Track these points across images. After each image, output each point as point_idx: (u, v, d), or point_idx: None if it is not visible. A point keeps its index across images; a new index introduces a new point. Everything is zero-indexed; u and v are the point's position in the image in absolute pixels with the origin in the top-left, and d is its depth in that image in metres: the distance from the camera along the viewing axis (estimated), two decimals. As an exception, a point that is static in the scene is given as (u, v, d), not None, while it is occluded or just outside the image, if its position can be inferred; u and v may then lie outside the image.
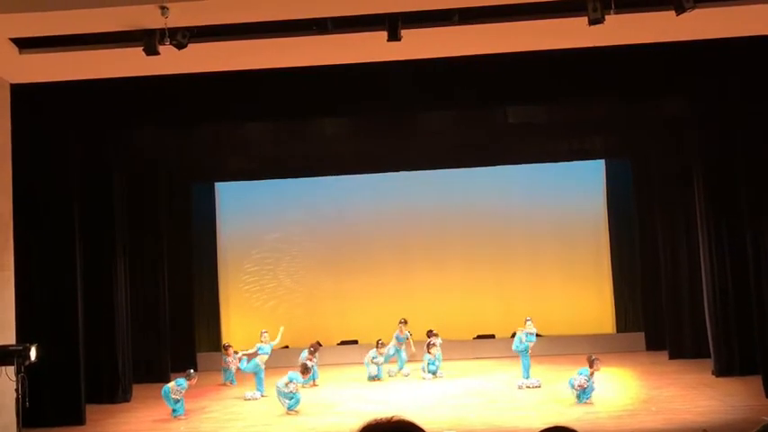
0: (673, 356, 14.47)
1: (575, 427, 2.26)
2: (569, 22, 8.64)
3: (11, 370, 8.90)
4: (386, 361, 14.36)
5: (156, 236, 14.91)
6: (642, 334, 15.90)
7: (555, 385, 12.50)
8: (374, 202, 16.90)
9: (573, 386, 11.40)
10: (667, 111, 13.68)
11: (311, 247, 17.00)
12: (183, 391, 11.68)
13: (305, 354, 13.80)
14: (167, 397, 11.72)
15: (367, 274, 16.68)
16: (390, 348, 14.52)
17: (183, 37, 8.26)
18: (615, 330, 16.39)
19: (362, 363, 14.32)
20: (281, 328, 13.80)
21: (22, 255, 10.47)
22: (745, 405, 10.78)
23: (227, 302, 16.94)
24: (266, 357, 13.23)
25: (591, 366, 11.35)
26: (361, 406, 11.93)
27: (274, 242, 17.04)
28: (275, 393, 11.86)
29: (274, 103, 11.93)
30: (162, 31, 8.13)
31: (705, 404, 11.01)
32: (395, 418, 2.00)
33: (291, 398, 11.70)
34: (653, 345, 15.49)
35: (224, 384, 14.15)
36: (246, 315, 16.76)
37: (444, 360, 14.36)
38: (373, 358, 14.09)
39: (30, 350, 8.90)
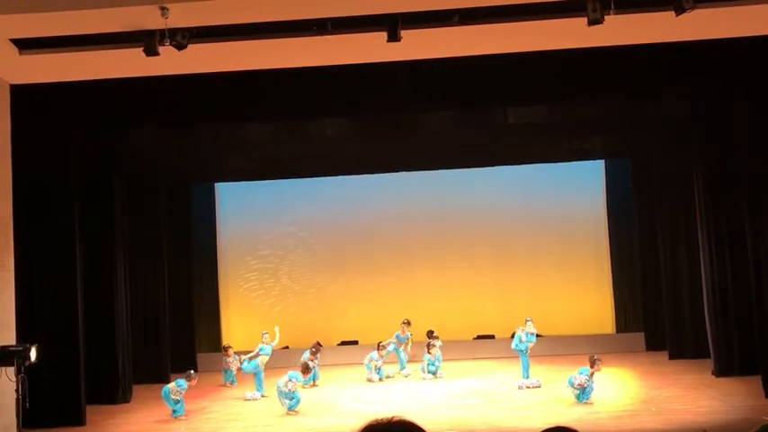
0: (673, 357, 14.47)
1: (575, 428, 2.26)
2: (569, 22, 8.64)
3: (11, 371, 8.91)
4: (385, 360, 14.35)
5: (156, 236, 14.91)
6: (642, 334, 15.89)
7: (555, 385, 12.50)
8: (374, 202, 16.89)
9: (573, 385, 11.41)
10: (667, 111, 13.69)
11: (311, 248, 17.00)
12: (184, 392, 11.68)
13: (307, 354, 13.80)
14: (167, 398, 11.72)
15: (367, 274, 16.68)
16: (390, 346, 14.52)
17: (183, 38, 8.26)
18: (615, 330, 16.39)
19: (363, 363, 14.31)
20: (277, 328, 13.80)
21: (22, 255, 10.47)
22: (745, 405, 10.79)
23: (227, 302, 16.94)
24: (267, 358, 13.23)
25: (592, 366, 11.35)
26: (361, 406, 11.93)
27: (274, 242, 17.03)
28: (276, 393, 11.86)
29: (274, 103, 11.94)
30: (162, 31, 8.13)
31: (705, 404, 11.01)
32: (395, 419, 2.00)
33: (291, 398, 11.70)
34: (653, 345, 15.49)
35: (224, 385, 14.14)
36: (246, 315, 16.76)
37: (444, 360, 14.36)
38: (373, 360, 14.08)
39: (30, 351, 8.90)
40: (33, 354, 8.94)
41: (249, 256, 17.02)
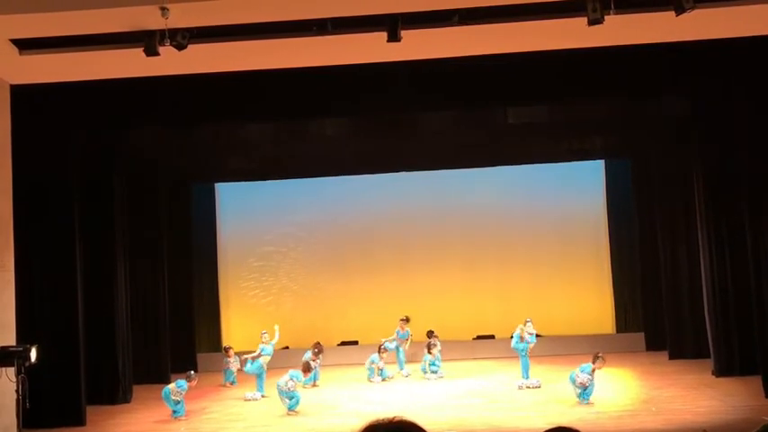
0: (673, 357, 14.47)
1: (576, 428, 2.26)
2: (569, 22, 8.64)
3: (11, 371, 8.91)
4: (386, 361, 14.34)
5: (156, 236, 14.90)
6: (642, 334, 15.89)
7: (555, 385, 12.50)
8: (374, 202, 16.89)
9: (574, 382, 11.40)
10: (667, 111, 13.69)
11: (311, 248, 17.00)
12: (184, 393, 11.68)
13: (309, 354, 13.80)
14: (167, 398, 11.72)
15: (367, 274, 16.68)
16: (392, 344, 14.53)
17: (183, 38, 8.27)
18: (615, 330, 16.39)
19: (363, 363, 14.31)
20: (276, 327, 13.79)
21: (22, 255, 10.47)
22: (745, 405, 10.79)
23: (227, 302, 16.94)
24: (269, 358, 13.24)
25: (594, 362, 11.33)
26: (361, 407, 11.93)
27: (274, 242, 17.03)
28: (276, 393, 11.86)
29: (274, 103, 11.94)
30: (162, 31, 8.14)
31: (705, 404, 11.01)
32: (396, 419, 2.00)
33: (291, 397, 11.70)
34: (653, 345, 15.49)
35: (224, 385, 14.14)
36: (246, 315, 16.76)
37: (444, 360, 14.37)
38: (375, 363, 14.08)
39: (30, 351, 8.90)
40: (33, 354, 8.94)
41: (249, 256, 17.02)
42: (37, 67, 9.61)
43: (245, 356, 13.40)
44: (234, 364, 14.17)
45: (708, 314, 12.80)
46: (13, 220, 10.13)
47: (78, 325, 11.72)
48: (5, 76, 9.95)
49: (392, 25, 8.49)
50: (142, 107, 12.04)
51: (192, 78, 10.30)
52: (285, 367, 12.78)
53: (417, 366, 14.36)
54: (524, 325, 13.21)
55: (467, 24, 8.75)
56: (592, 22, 7.98)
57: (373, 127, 14.36)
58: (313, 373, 13.43)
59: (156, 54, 8.30)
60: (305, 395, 12.30)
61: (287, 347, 15.62)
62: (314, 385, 13.67)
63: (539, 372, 13.27)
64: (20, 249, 10.35)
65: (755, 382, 11.42)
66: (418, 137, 14.74)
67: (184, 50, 8.37)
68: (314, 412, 11.74)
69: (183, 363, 14.30)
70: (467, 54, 9.89)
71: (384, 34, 8.59)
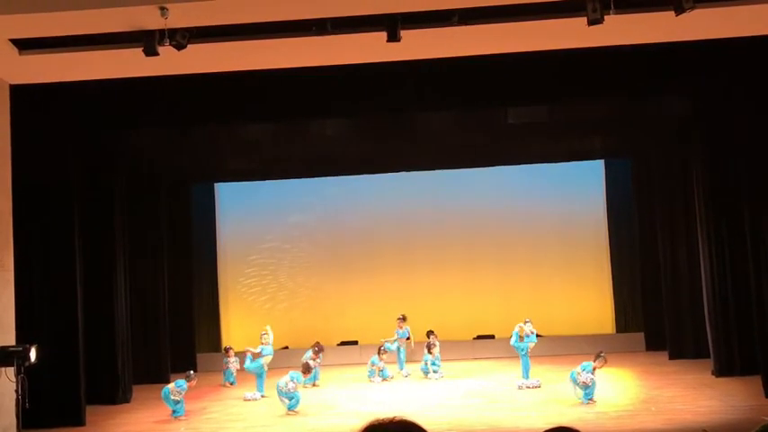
0: (673, 357, 14.46)
1: (576, 428, 2.25)
2: (569, 22, 8.64)
3: (11, 371, 8.91)
4: (386, 361, 14.34)
5: (156, 236, 14.91)
6: (642, 334, 15.89)
7: (555, 385, 12.50)
8: (374, 202, 16.89)
9: (576, 381, 11.38)
10: (668, 111, 13.68)
11: (311, 248, 17.00)
12: (183, 393, 11.68)
13: (309, 353, 13.80)
14: (167, 398, 11.72)
15: (367, 274, 16.68)
16: (394, 345, 14.53)
17: (183, 38, 8.26)
18: (615, 330, 16.39)
19: (362, 363, 14.32)
20: (268, 327, 13.72)
21: (22, 255, 10.47)
22: (745, 405, 10.79)
23: (227, 302, 16.94)
24: (270, 358, 13.23)
25: (595, 361, 11.31)
26: (361, 406, 11.93)
27: (274, 242, 17.03)
28: (276, 393, 11.86)
29: (274, 103, 11.94)
30: (161, 31, 8.14)
31: (705, 404, 11.01)
32: (396, 419, 2.00)
33: (291, 397, 11.70)
34: (653, 345, 15.48)
35: (224, 385, 14.14)
36: (246, 315, 16.76)
37: (444, 360, 14.38)
38: (375, 364, 14.08)
39: (30, 351, 8.90)
40: (33, 354, 8.94)
41: (249, 256, 17.02)
42: (37, 67, 9.60)
43: (248, 348, 13.36)
44: (234, 364, 14.17)
45: (708, 314, 12.80)
46: (12, 219, 10.12)
47: (78, 325, 11.71)
48: (5, 75, 9.94)
49: (392, 25, 8.49)
50: (142, 107, 12.04)
51: (192, 78, 10.30)
52: (285, 367, 12.80)
53: (417, 366, 14.35)
54: (524, 323, 13.19)
55: (466, 24, 8.75)
56: (592, 22, 7.98)
57: (373, 127, 14.36)
58: (313, 372, 13.43)
59: (156, 54, 8.29)
60: (305, 395, 12.29)
61: (286, 347, 15.63)
62: (314, 385, 13.67)
63: (539, 372, 13.26)
64: (20, 249, 10.35)
65: (755, 382, 11.42)
66: (418, 137, 14.73)
67: (184, 50, 8.37)
68: (314, 412, 11.74)
69: (183, 363, 14.31)
70: (467, 54, 9.88)
71: (384, 34, 8.58)
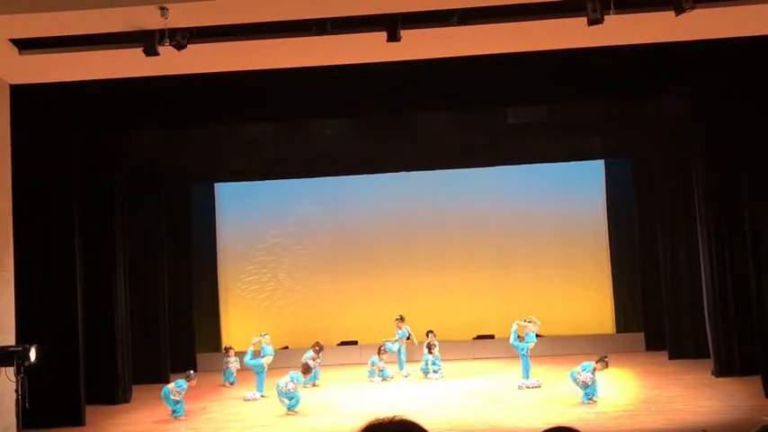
0: (673, 356, 14.46)
1: (576, 428, 2.25)
2: (569, 22, 8.64)
3: (11, 371, 8.91)
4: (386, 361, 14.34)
5: (155, 236, 14.91)
6: (642, 334, 15.89)
7: (555, 385, 12.50)
8: (374, 202, 16.89)
9: (576, 380, 11.38)
10: (667, 111, 13.69)
11: (311, 248, 17.00)
12: (183, 393, 11.68)
13: (310, 353, 13.80)
14: (167, 398, 11.72)
15: (367, 274, 16.68)
16: (395, 345, 14.53)
17: (183, 38, 8.26)
18: (615, 330, 16.39)
19: (362, 363, 14.31)
20: (267, 336, 13.60)
21: (22, 255, 10.47)
22: (745, 405, 10.78)
23: (226, 302, 16.94)
24: (270, 358, 13.23)
25: (596, 362, 11.30)
26: (361, 406, 11.93)
27: (274, 242, 17.03)
28: (276, 393, 11.86)
29: (274, 103, 11.94)
30: (161, 31, 8.14)
31: (705, 404, 11.01)
32: (396, 418, 1.99)
33: (291, 397, 11.70)
34: (653, 345, 15.48)
35: (224, 385, 14.14)
36: (246, 315, 16.76)
37: (444, 360, 14.38)
38: (375, 364, 14.08)
39: (29, 351, 8.90)
40: (33, 354, 8.94)
41: (249, 256, 17.02)
42: (37, 66, 9.60)
43: (255, 340, 13.32)
44: (234, 364, 14.17)
45: (707, 314, 12.79)
46: (12, 219, 10.12)
47: (78, 325, 11.71)
48: (5, 75, 9.94)
49: (392, 25, 8.49)
50: (142, 107, 12.04)
51: (192, 78, 10.30)
52: (285, 367, 12.80)
53: (417, 366, 14.35)
54: (526, 321, 13.15)
55: (466, 24, 8.75)
56: (591, 22, 7.98)
57: (373, 127, 14.36)
58: (313, 372, 13.43)
59: (156, 54, 8.30)
60: (305, 395, 12.29)
61: (287, 347, 15.63)
62: (314, 385, 13.68)
63: (539, 372, 13.26)
64: (19, 249, 10.35)
65: (755, 382, 11.42)
66: (418, 137, 14.74)
67: (184, 50, 8.37)
68: (314, 412, 11.74)
69: (183, 363, 14.31)
70: (466, 54, 9.89)
71: (384, 34, 8.59)
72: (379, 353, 14.12)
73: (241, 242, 17.01)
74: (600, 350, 14.03)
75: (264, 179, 16.59)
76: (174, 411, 11.69)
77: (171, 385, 11.83)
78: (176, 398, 11.67)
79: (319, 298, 16.80)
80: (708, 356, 12.95)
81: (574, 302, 16.29)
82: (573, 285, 16.42)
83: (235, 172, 16.41)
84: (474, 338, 16.22)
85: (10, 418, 9.13)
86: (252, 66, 10.04)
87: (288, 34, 8.92)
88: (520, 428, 10.21)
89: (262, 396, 12.89)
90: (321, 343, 14.29)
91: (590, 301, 16.50)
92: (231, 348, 14.48)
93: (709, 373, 12.74)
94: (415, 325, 14.88)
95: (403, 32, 8.53)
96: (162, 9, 7.75)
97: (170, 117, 12.49)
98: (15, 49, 9.13)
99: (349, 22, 8.70)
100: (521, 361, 13.04)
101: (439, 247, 16.58)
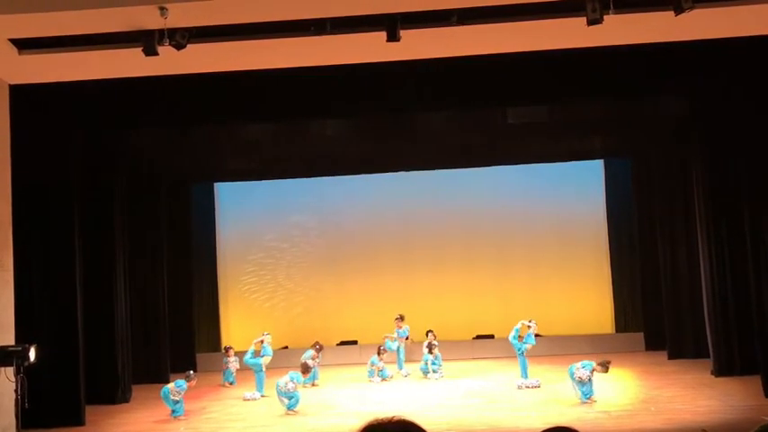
0: (672, 356, 14.46)
1: (575, 427, 2.26)
2: (568, 22, 8.65)
3: (10, 371, 8.91)
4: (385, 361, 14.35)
5: (155, 236, 14.92)
6: (642, 334, 15.89)
7: (554, 385, 12.50)
8: (374, 202, 16.89)
9: (573, 376, 11.38)
10: (666, 110, 13.70)
11: (311, 248, 17.00)
12: (183, 392, 11.68)
13: (310, 353, 13.81)
14: (167, 398, 11.72)
15: (366, 274, 16.68)
16: (394, 344, 14.54)
17: (182, 37, 8.26)
18: (615, 330, 16.39)
19: (362, 363, 14.31)
20: (268, 336, 13.61)
21: (22, 255, 10.47)
22: (744, 405, 10.79)
23: (226, 303, 16.94)
24: (269, 359, 13.23)
25: (597, 363, 11.29)
26: (360, 406, 11.93)
27: (274, 242, 17.03)
28: (275, 392, 11.86)
29: (274, 103, 11.94)
30: (161, 31, 8.14)
31: (705, 404, 11.01)
32: (395, 418, 2.00)
33: (291, 397, 11.71)
34: (652, 345, 15.48)
35: (223, 385, 14.15)
36: (246, 315, 16.76)
37: (444, 360, 14.37)
38: (375, 364, 14.08)
39: (29, 351, 8.90)
40: (33, 354, 8.94)
41: (249, 256, 17.02)
42: (36, 66, 9.60)
43: (257, 339, 13.33)
44: (234, 363, 14.18)
45: (707, 314, 12.80)
46: (12, 219, 10.12)
47: (78, 325, 11.71)
48: (4, 75, 9.94)
49: (391, 25, 8.49)
50: (142, 107, 12.04)
51: (192, 78, 10.30)
52: (285, 367, 12.80)
53: (417, 366, 14.35)
54: (529, 321, 13.14)
55: (466, 24, 8.75)
56: (591, 22, 7.99)
57: (372, 127, 14.37)
58: (312, 372, 13.43)
59: (156, 54, 8.30)
60: (304, 395, 12.29)
61: (286, 347, 15.63)
62: (313, 385, 13.68)
63: (538, 372, 13.27)
64: (19, 249, 10.35)
65: (755, 381, 11.42)
66: (418, 137, 14.74)
67: (183, 50, 8.37)
68: (313, 412, 11.74)
69: (183, 362, 14.31)
70: (466, 54, 9.89)
71: (383, 34, 8.59)
72: (378, 353, 14.12)
73: (241, 242, 17.01)
74: (599, 350, 14.09)
75: (264, 179, 16.60)
76: (173, 411, 11.70)
77: (171, 385, 11.83)
78: (176, 398, 11.67)
79: (319, 298, 16.80)
80: (707, 356, 12.95)
81: (573, 302, 16.30)
82: (572, 285, 16.42)
83: (234, 172, 16.41)
84: (473, 338, 16.23)
85: (9, 418, 9.13)
86: (251, 66, 10.04)
87: (287, 34, 8.93)
88: (520, 428, 10.21)
89: (261, 396, 12.89)
90: (321, 343, 14.29)
91: (589, 300, 16.51)
92: (231, 348, 14.49)
93: (709, 372, 12.74)
94: (415, 325, 14.89)
95: (402, 32, 8.54)
96: (161, 9, 7.75)
97: (170, 117, 12.50)
98: (15, 49, 9.13)
99: (348, 21, 8.71)
100: (518, 361, 13.04)
101: (438, 246, 16.58)
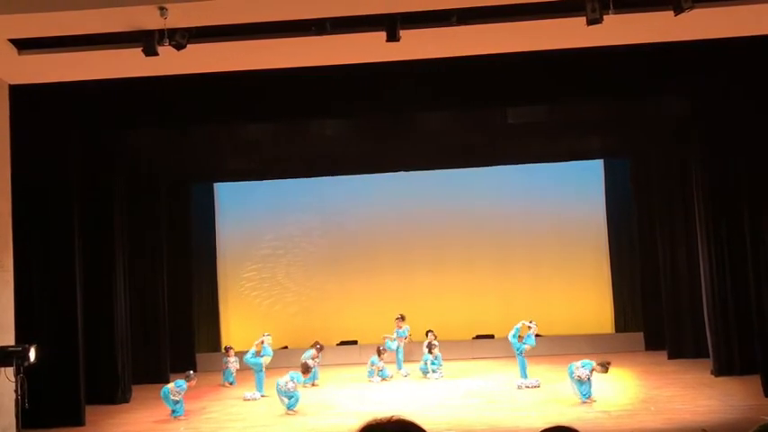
0: (672, 356, 14.46)
1: (575, 427, 2.26)
2: (568, 22, 8.65)
3: (10, 371, 8.90)
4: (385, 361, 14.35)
5: (155, 236, 14.91)
6: (642, 334, 15.88)
7: (554, 385, 12.50)
8: (374, 202, 16.89)
9: (572, 375, 11.38)
10: (667, 110, 13.69)
11: (310, 248, 17.00)
12: (183, 392, 11.68)
13: (311, 352, 13.80)
14: (167, 398, 11.72)
15: (366, 274, 16.68)
16: (394, 344, 14.54)
17: (182, 37, 8.27)
18: (615, 330, 16.39)
19: (362, 363, 14.31)
20: (269, 337, 13.61)
21: (21, 255, 10.47)
22: (744, 405, 10.79)
23: (226, 303, 16.94)
24: (269, 359, 13.23)
25: (597, 363, 11.28)
26: (360, 406, 11.93)
27: (274, 242, 17.03)
28: (275, 392, 11.86)
29: (274, 103, 11.95)
30: (161, 31, 8.14)
31: (704, 404, 11.01)
32: (394, 418, 2.00)
33: (291, 396, 11.71)
34: (652, 344, 15.47)
35: (223, 385, 14.15)
36: (246, 315, 16.76)
37: (444, 360, 14.36)
38: (375, 364, 14.08)
39: (29, 351, 8.89)
40: (32, 354, 8.93)
41: (249, 256, 17.02)
42: (36, 66, 9.61)
43: (258, 340, 13.33)
44: (234, 363, 14.18)
45: (707, 314, 12.80)
46: (12, 219, 10.12)
47: (77, 325, 11.72)
48: (4, 75, 9.94)
49: (391, 25, 8.50)
50: (142, 107, 12.05)
51: (192, 78, 10.30)
52: (285, 367, 12.80)
53: (416, 366, 14.35)
54: (530, 322, 13.15)
55: (465, 24, 8.76)
56: (591, 22, 7.99)
57: (372, 127, 14.36)
58: (312, 372, 13.43)
59: (155, 54, 8.30)
60: (304, 395, 12.30)
61: (286, 347, 15.63)
62: (313, 385, 13.68)
63: (538, 372, 13.27)
64: (19, 249, 10.34)
65: (754, 381, 11.43)
66: (417, 137, 14.74)
67: (183, 50, 8.37)
68: (313, 412, 11.75)
69: (183, 362, 14.31)
70: (465, 54, 9.89)
71: (383, 34, 8.59)
72: (378, 353, 14.12)
73: (240, 242, 17.01)
74: (599, 350, 14.08)
75: (264, 179, 16.59)
76: (173, 411, 11.70)
77: (170, 385, 11.83)
78: (176, 398, 11.68)
79: (319, 298, 16.80)
80: (707, 356, 12.95)
81: (573, 302, 16.30)
82: (572, 285, 16.42)
83: (234, 172, 16.41)
84: (473, 338, 16.22)
85: (9, 418, 9.13)
86: (251, 66, 10.04)
87: (287, 34, 8.93)
88: (519, 428, 10.21)
89: (261, 396, 12.89)
90: (321, 342, 14.30)
91: (589, 300, 16.51)
92: (231, 348, 14.49)
93: (709, 372, 12.74)
94: (415, 325, 14.89)
95: (402, 32, 8.54)
96: (161, 9, 7.75)
97: (169, 117, 12.51)
98: (14, 49, 9.13)
99: (348, 21, 8.71)
100: (517, 361, 13.04)
101: (438, 246, 16.58)
